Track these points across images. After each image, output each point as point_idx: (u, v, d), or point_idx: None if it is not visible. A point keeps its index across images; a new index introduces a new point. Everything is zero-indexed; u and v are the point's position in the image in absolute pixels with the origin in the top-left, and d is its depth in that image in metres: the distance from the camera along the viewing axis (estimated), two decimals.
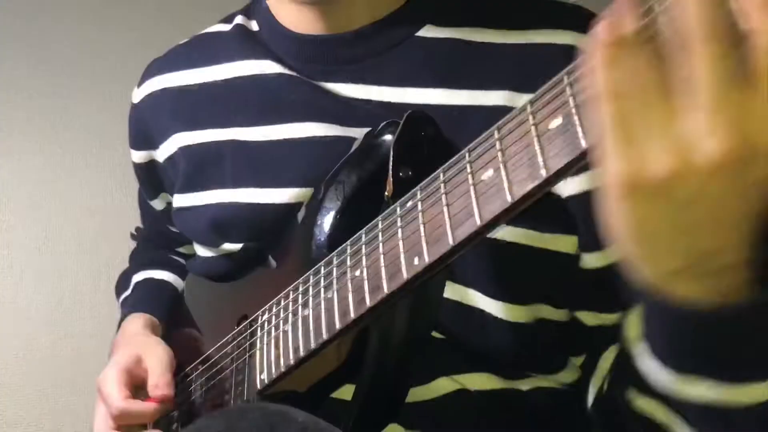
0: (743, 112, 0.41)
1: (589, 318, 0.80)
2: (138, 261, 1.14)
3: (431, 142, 0.71)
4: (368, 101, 0.83)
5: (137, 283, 1.08)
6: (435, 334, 0.78)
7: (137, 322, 0.98)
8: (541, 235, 0.77)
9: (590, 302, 0.79)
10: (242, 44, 0.92)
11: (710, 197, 0.43)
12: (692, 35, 0.41)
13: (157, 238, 1.13)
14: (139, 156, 1.01)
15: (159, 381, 0.85)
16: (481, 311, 0.78)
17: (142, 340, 0.93)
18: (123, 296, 1.11)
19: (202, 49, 0.96)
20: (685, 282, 0.48)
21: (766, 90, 0.40)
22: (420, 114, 0.72)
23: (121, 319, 1.03)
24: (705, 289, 0.48)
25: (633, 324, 0.62)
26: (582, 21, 0.79)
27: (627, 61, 0.43)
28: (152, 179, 1.02)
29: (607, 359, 0.77)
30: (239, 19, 0.95)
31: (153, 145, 0.98)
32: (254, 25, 0.94)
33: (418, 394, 0.78)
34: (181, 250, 1.11)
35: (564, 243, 0.77)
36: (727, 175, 0.42)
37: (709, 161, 0.41)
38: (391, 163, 0.70)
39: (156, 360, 0.88)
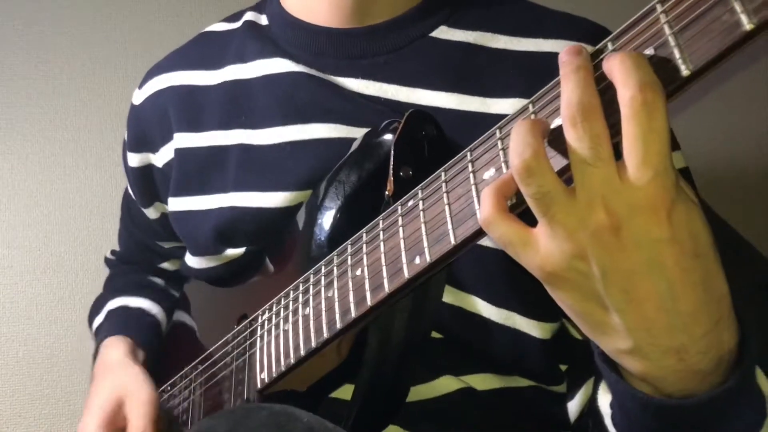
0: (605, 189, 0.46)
1: (575, 330, 0.80)
2: (113, 287, 1.10)
3: (432, 141, 0.71)
4: (377, 99, 0.82)
5: (111, 311, 1.04)
6: (436, 335, 0.78)
7: (118, 347, 0.95)
8: None
9: None
10: (252, 43, 0.90)
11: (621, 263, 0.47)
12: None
13: (139, 253, 1.09)
14: (136, 159, 0.97)
15: None
16: (482, 317, 0.78)
17: (122, 374, 0.91)
18: (96, 324, 1.06)
19: (211, 49, 0.93)
20: (637, 360, 0.50)
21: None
22: (420, 113, 0.72)
23: (97, 346, 1.00)
24: (655, 368, 0.50)
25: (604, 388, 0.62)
26: (591, 33, 0.79)
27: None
28: (147, 185, 0.98)
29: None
30: (249, 16, 0.93)
31: (152, 147, 0.95)
32: (263, 20, 0.92)
33: (420, 392, 0.78)
34: (164, 265, 1.08)
35: None
36: (611, 242, 0.46)
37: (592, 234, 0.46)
38: (391, 163, 0.70)
39: (137, 405, 0.86)
